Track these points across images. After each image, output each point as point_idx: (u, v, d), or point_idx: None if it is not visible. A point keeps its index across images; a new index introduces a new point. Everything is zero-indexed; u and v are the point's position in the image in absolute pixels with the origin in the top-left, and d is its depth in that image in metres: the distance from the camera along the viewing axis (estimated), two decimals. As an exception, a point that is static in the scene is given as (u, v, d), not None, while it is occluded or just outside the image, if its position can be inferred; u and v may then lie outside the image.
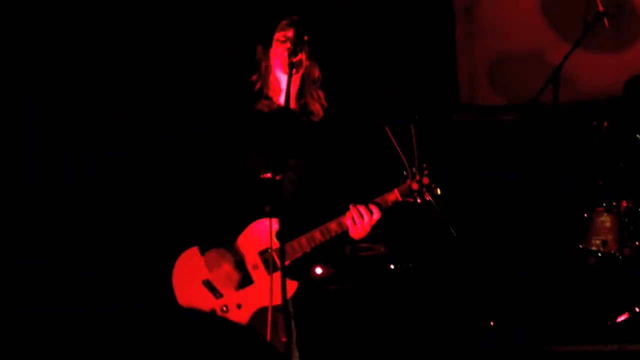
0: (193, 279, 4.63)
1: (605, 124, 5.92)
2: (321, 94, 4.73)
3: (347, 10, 6.62)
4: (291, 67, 4.46)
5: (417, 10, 6.82)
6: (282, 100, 4.63)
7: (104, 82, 6.14)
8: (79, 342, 5.82)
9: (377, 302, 5.86)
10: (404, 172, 4.46)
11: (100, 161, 6.14)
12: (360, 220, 4.42)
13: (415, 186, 4.43)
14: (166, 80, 6.25)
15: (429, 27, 6.92)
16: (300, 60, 4.59)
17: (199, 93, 6.27)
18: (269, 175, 4.44)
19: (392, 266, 5.93)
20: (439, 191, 4.44)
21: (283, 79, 4.62)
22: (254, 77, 4.75)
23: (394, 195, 4.45)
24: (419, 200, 4.44)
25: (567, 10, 6.57)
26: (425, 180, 4.42)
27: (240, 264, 4.56)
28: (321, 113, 4.70)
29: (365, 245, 5.62)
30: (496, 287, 6.47)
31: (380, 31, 6.71)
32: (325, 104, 4.72)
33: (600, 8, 5.78)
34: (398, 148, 4.35)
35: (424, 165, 4.46)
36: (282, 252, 4.12)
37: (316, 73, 4.71)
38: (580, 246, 5.97)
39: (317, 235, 4.47)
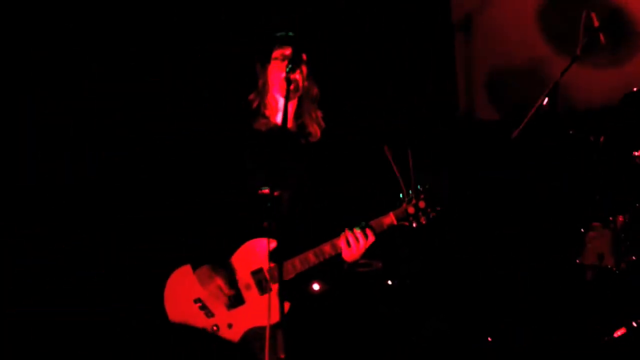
0: (185, 296, 4.63)
1: (602, 138, 5.90)
2: (319, 114, 4.70)
3: (347, 12, 6.57)
4: (289, 83, 4.40)
5: (416, 12, 6.77)
6: (279, 119, 4.60)
7: (104, 82, 6.10)
8: (79, 342, 5.87)
9: (375, 317, 5.87)
10: (400, 195, 4.44)
11: (100, 161, 6.13)
12: (355, 244, 4.42)
13: (411, 210, 4.41)
14: (166, 80, 6.22)
15: (429, 32, 6.88)
16: (297, 80, 4.55)
17: (199, 93, 6.25)
18: (266, 191, 4.42)
19: (389, 282, 5.93)
20: (435, 214, 4.41)
21: (280, 98, 4.59)
22: (252, 96, 4.72)
23: (390, 219, 4.44)
24: (414, 225, 4.43)
25: (563, 22, 6.51)
26: (422, 204, 4.41)
27: (232, 282, 4.56)
28: (319, 133, 4.67)
29: (362, 261, 5.62)
30: (495, 287, 6.47)
31: (380, 32, 6.66)
32: (323, 125, 4.69)
33: (596, 23, 5.71)
34: (396, 171, 4.33)
35: (420, 188, 4.44)
36: (280, 271, 4.08)
37: (315, 92, 4.68)
38: (577, 261, 5.96)
39: (311, 257, 4.47)
